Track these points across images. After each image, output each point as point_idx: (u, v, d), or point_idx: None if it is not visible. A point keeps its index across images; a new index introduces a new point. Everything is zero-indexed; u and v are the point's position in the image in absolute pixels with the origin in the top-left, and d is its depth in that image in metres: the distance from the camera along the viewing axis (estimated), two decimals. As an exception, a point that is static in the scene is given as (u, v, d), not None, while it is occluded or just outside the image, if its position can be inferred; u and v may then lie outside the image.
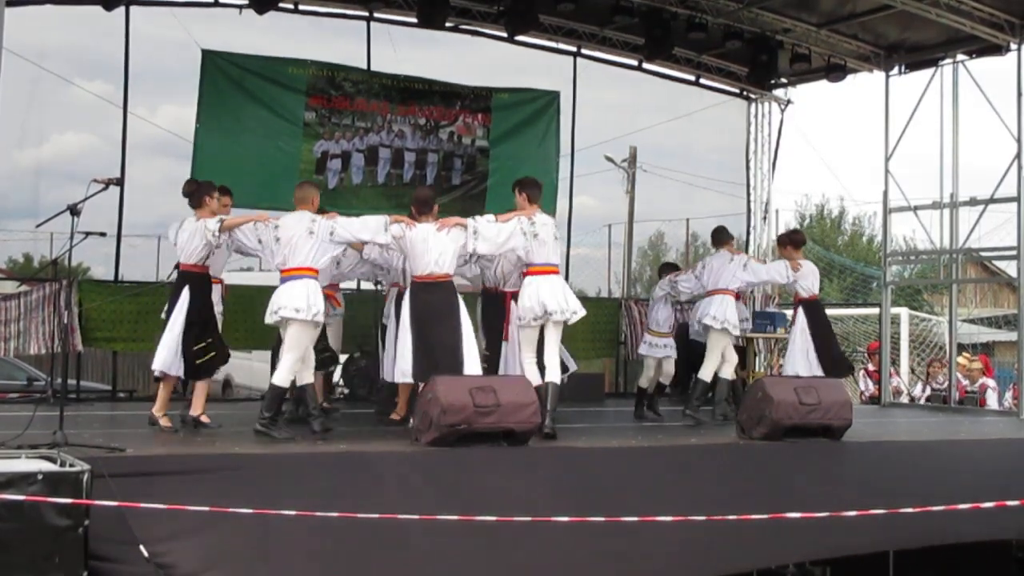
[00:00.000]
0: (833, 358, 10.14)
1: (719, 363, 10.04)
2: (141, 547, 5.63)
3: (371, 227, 7.97)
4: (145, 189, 12.78)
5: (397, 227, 7.98)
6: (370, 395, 10.94)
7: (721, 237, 10.42)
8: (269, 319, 7.82)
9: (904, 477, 8.16)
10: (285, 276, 7.78)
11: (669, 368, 10.68)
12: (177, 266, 8.16)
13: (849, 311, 21.78)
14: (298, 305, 7.63)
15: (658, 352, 10.59)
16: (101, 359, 14.13)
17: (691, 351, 11.24)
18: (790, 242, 10.49)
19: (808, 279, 10.20)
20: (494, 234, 8.09)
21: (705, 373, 10.03)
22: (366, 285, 11.50)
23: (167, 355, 7.88)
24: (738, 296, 10.61)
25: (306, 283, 7.70)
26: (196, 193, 8.15)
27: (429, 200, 8.37)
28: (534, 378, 8.12)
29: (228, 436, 7.74)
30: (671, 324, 10.79)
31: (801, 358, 10.03)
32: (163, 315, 8.21)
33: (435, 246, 7.94)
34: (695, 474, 7.64)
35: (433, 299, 7.91)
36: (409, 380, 8.01)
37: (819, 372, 9.83)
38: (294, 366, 7.76)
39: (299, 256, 7.75)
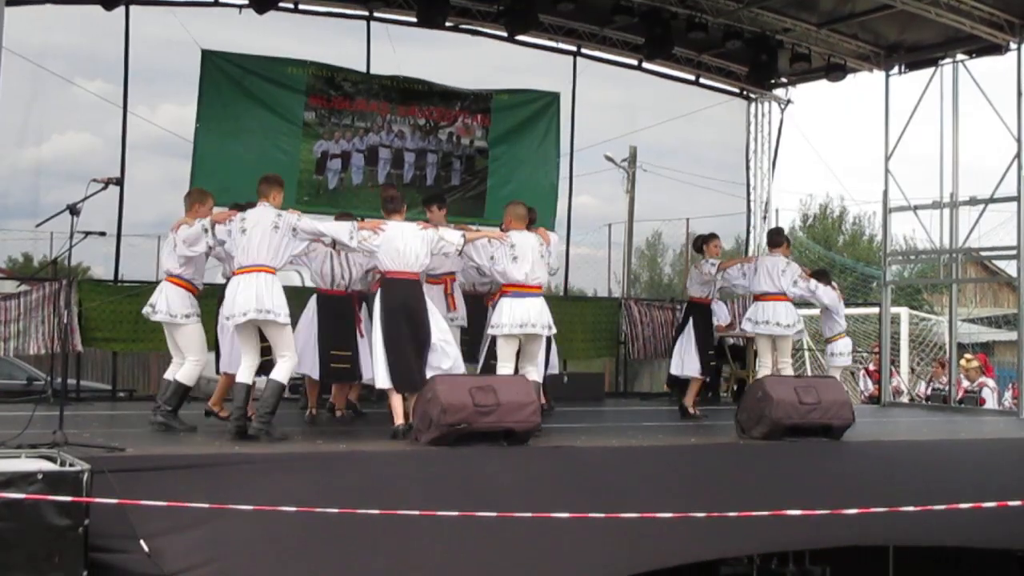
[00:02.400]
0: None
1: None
2: (141, 541, 5.64)
3: (333, 228, 8.00)
4: (145, 189, 12.79)
5: (365, 232, 7.89)
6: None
7: (776, 239, 10.48)
8: (260, 316, 7.50)
9: (904, 477, 8.16)
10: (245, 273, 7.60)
11: None
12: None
13: (849, 311, 21.77)
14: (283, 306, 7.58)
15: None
16: (101, 359, 14.13)
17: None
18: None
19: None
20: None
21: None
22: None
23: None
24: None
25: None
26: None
27: (396, 199, 8.34)
28: None
29: (228, 436, 7.72)
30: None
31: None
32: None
33: (409, 244, 7.90)
34: (695, 474, 7.64)
35: (406, 296, 7.90)
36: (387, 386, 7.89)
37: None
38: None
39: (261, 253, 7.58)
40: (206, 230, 7.94)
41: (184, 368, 8.04)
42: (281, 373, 7.61)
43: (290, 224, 7.63)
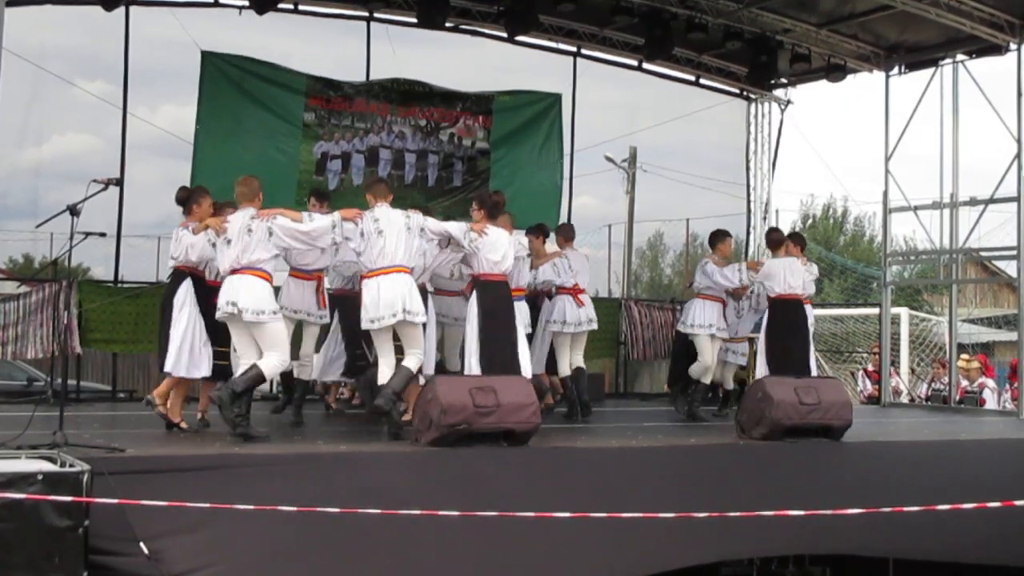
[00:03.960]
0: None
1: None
2: (141, 543, 5.64)
3: (453, 227, 8.15)
4: (145, 189, 12.78)
5: (473, 234, 8.03)
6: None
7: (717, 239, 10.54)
8: (407, 318, 7.63)
9: (904, 477, 8.15)
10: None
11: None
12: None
13: (849, 311, 21.79)
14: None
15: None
16: (101, 360, 14.13)
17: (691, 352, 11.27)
18: (800, 243, 10.55)
19: (775, 279, 10.18)
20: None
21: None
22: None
23: None
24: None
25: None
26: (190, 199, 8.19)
27: (500, 204, 8.54)
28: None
29: (228, 436, 7.72)
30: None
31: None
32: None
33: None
34: (695, 474, 7.63)
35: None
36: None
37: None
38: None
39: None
40: (335, 225, 7.72)
41: (269, 363, 7.57)
42: (412, 363, 7.81)
43: (419, 224, 7.88)
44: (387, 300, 7.64)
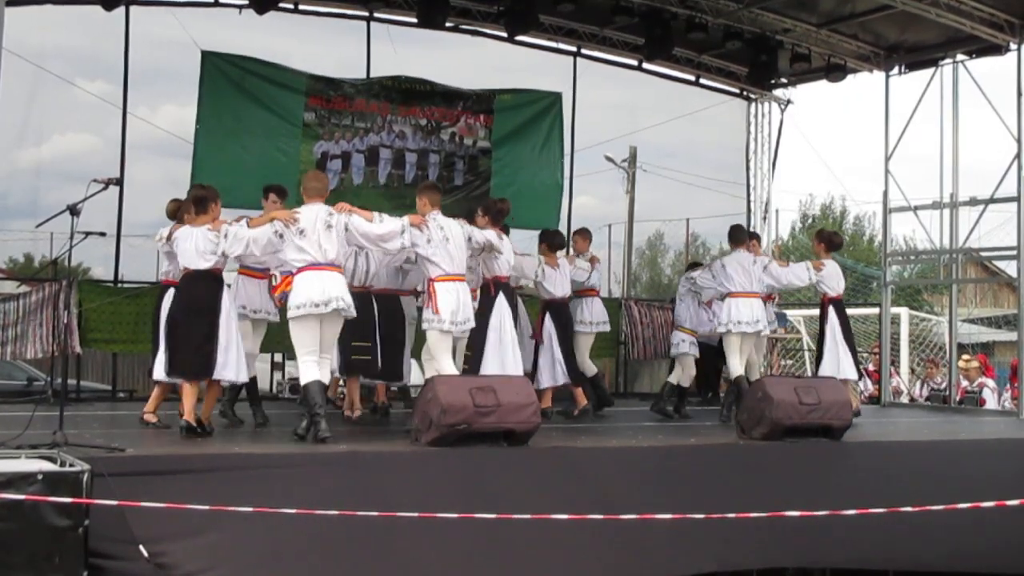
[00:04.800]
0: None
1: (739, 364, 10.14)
2: (141, 547, 5.63)
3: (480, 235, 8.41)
4: (145, 189, 12.74)
5: (415, 230, 7.93)
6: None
7: (738, 236, 10.34)
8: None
9: (904, 477, 8.15)
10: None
11: (688, 366, 10.84)
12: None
13: (850, 311, 21.74)
14: None
15: (682, 348, 10.82)
16: (101, 359, 14.13)
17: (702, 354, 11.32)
18: (825, 241, 10.68)
19: (833, 279, 10.51)
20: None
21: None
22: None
23: None
24: (770, 297, 10.74)
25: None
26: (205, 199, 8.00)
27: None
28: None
29: (228, 436, 7.72)
30: (694, 321, 10.86)
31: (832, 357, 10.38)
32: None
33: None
34: (695, 474, 7.63)
35: None
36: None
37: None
38: None
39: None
40: (404, 230, 7.80)
41: (326, 365, 7.73)
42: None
43: (467, 234, 8.24)
44: (468, 307, 8.09)
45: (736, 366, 9.92)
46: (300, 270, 7.46)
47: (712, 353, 11.21)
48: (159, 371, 8.03)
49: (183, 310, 7.71)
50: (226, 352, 7.64)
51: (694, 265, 11.34)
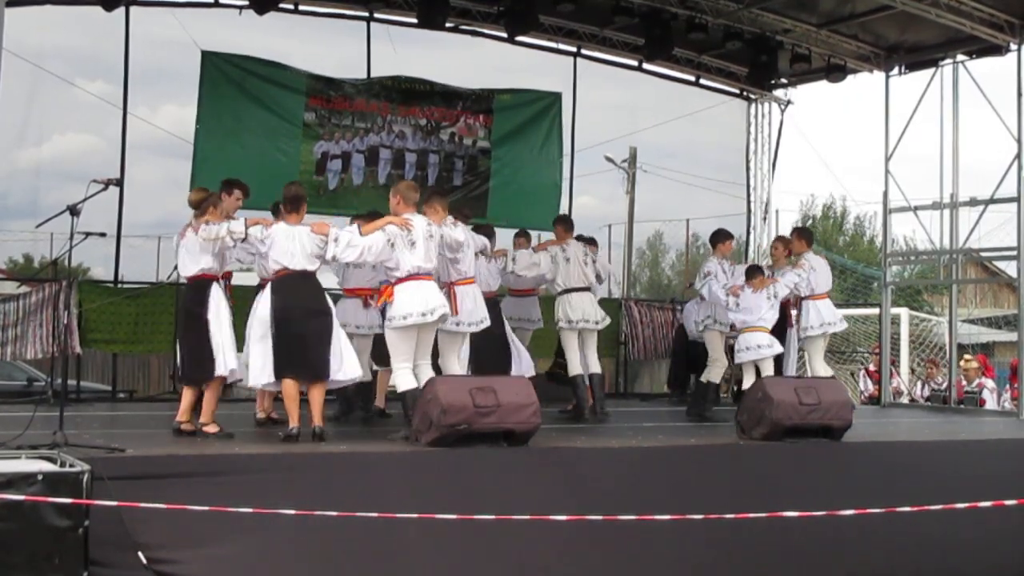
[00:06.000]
0: None
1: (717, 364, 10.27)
2: (139, 553, 5.63)
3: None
4: (145, 189, 12.79)
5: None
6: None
7: (752, 273, 10.10)
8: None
9: (904, 477, 8.15)
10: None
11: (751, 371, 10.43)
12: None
13: (850, 311, 21.76)
14: None
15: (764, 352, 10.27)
16: (101, 360, 14.14)
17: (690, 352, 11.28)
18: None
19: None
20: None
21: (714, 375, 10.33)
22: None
23: None
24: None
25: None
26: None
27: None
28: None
29: (228, 436, 7.70)
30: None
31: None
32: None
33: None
34: (695, 474, 7.63)
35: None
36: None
37: None
38: None
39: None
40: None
41: (428, 370, 7.76)
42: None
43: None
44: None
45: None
46: (400, 280, 7.53)
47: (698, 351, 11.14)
48: (262, 375, 7.54)
49: (295, 311, 7.47)
50: (340, 356, 7.59)
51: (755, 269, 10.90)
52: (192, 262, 7.70)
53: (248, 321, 7.72)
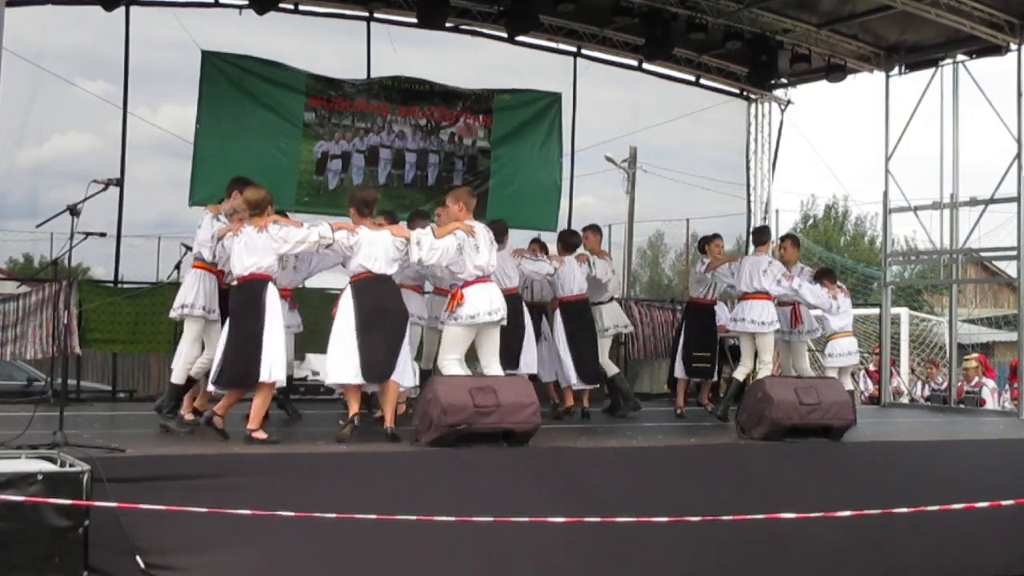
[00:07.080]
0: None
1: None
2: (137, 558, 5.63)
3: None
4: (145, 189, 12.78)
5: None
6: None
7: (761, 238, 10.57)
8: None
9: (904, 477, 8.15)
10: None
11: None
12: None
13: (849, 311, 21.76)
14: None
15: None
16: (101, 360, 14.12)
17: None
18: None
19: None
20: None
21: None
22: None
23: None
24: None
25: None
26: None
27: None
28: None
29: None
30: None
31: None
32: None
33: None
34: (695, 474, 7.63)
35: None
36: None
37: None
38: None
39: None
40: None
41: (496, 369, 8.25)
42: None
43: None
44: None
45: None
46: (469, 283, 7.97)
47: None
48: (347, 374, 7.58)
49: (377, 313, 7.58)
50: (404, 363, 7.77)
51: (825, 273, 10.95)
52: (251, 260, 7.37)
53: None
